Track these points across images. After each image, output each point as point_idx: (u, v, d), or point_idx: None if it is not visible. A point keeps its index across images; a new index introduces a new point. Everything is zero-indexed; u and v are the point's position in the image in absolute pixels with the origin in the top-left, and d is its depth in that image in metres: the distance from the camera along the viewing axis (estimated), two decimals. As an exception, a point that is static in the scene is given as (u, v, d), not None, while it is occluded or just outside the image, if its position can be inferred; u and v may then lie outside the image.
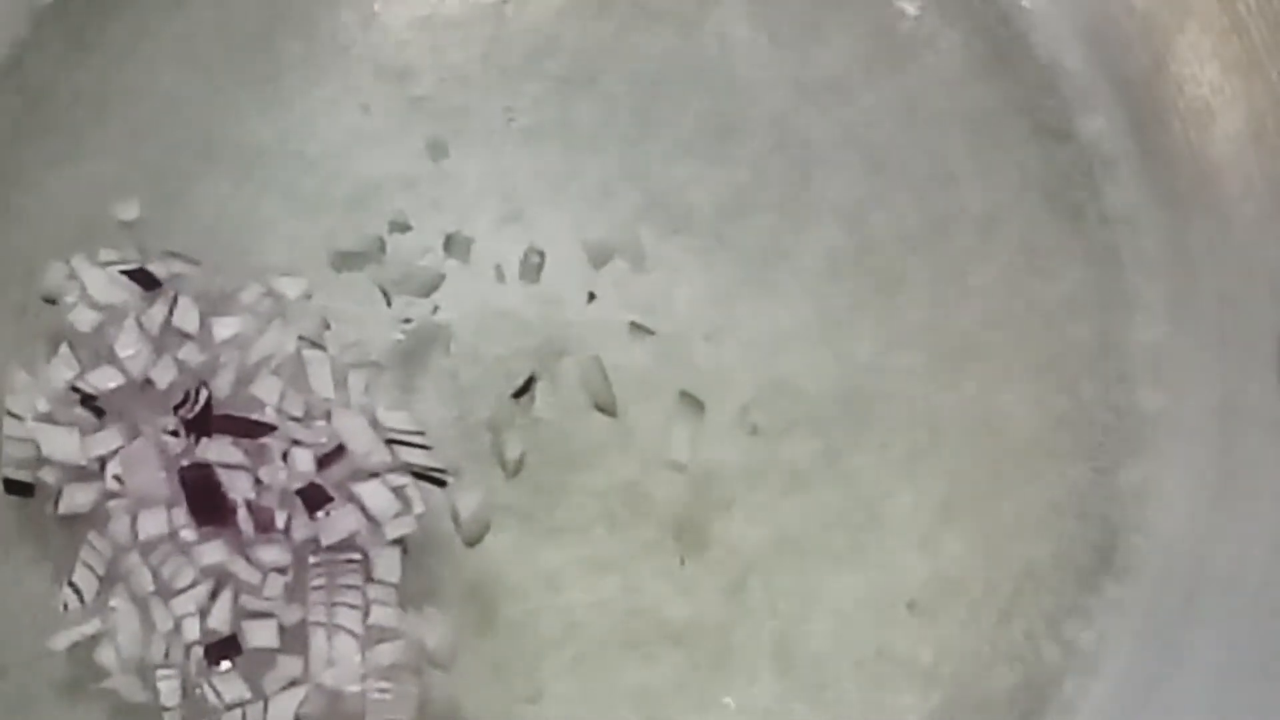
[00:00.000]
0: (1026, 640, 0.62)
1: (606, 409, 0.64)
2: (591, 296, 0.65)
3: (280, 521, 0.58)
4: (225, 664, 0.58)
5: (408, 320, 0.65)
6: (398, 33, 0.69)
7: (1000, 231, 0.67)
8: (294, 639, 0.58)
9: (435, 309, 0.65)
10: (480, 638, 0.61)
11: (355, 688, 0.58)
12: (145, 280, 0.61)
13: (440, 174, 0.67)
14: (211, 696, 0.57)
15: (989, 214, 0.67)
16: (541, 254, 0.65)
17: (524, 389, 0.64)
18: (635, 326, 0.65)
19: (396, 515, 0.59)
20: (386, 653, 0.58)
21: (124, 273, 0.61)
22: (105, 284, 0.61)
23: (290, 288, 0.64)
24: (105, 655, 0.58)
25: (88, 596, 0.58)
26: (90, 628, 0.58)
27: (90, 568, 0.59)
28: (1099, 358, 0.65)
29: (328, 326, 0.64)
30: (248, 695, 0.58)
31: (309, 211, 0.66)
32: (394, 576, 0.59)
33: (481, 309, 0.65)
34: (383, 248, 0.65)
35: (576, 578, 0.62)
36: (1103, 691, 0.62)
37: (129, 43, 0.68)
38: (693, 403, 0.64)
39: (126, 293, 0.61)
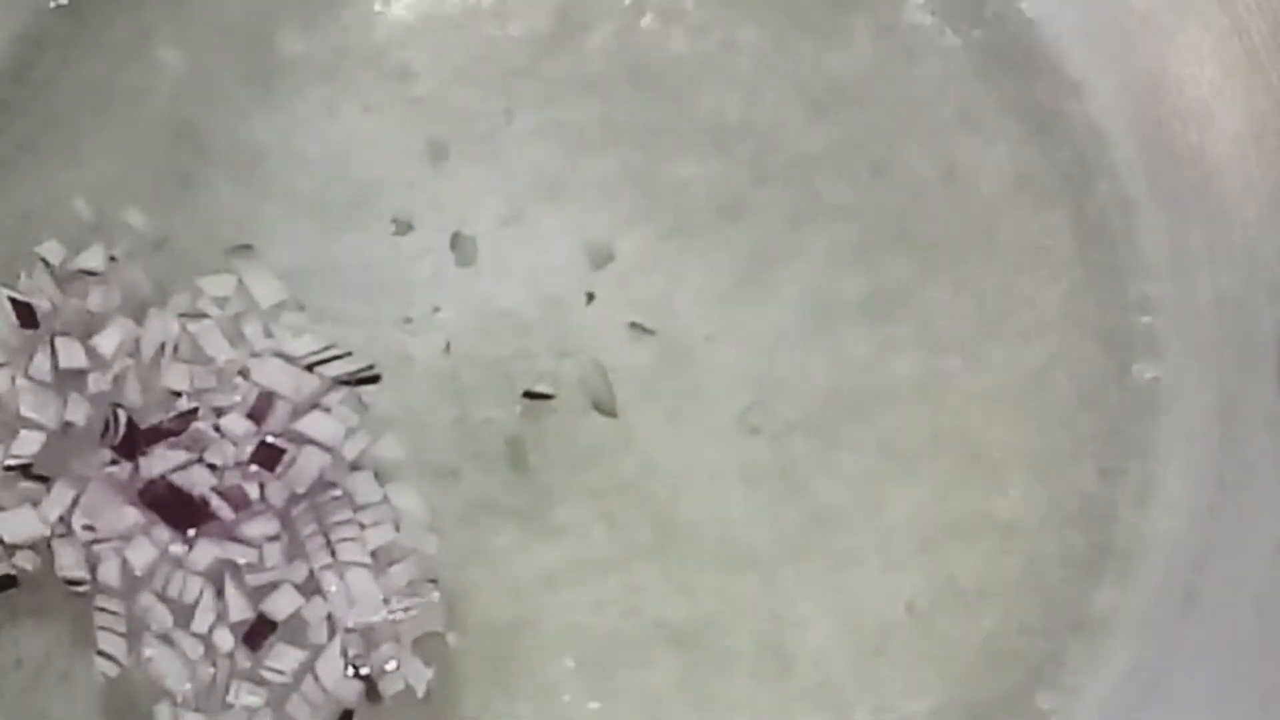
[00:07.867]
0: (1026, 640, 0.62)
1: (606, 409, 0.64)
2: (591, 297, 0.65)
3: (253, 492, 0.59)
4: (268, 643, 0.58)
5: (408, 320, 0.65)
6: (398, 33, 0.69)
7: (1000, 231, 0.67)
8: (309, 587, 0.59)
9: (435, 309, 0.65)
10: (481, 638, 0.61)
11: (382, 615, 0.59)
12: (26, 317, 0.61)
13: (440, 174, 0.67)
14: (274, 677, 0.58)
15: (989, 214, 0.67)
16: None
17: (535, 395, 0.64)
18: (635, 326, 0.65)
19: (349, 434, 0.60)
20: (400, 573, 0.60)
21: (11, 300, 0.61)
22: None
23: (51, 253, 0.63)
24: (173, 716, 0.59)
25: (122, 659, 0.59)
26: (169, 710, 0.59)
27: (110, 630, 0.59)
28: (1098, 357, 0.65)
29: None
30: (303, 655, 0.58)
31: (309, 212, 0.66)
32: (376, 495, 0.60)
33: (481, 309, 0.65)
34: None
35: (576, 578, 0.62)
36: (1103, 691, 0.62)
37: (129, 43, 0.68)
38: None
39: (6, 325, 0.61)
